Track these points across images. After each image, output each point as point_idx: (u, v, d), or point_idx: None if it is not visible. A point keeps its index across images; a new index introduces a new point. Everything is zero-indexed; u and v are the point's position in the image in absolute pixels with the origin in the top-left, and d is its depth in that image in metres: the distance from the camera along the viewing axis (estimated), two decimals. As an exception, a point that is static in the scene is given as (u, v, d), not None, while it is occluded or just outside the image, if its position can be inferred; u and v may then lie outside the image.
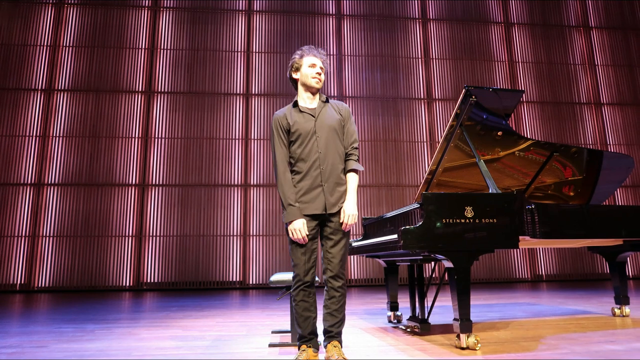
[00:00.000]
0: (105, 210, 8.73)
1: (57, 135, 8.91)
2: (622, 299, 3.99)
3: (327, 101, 2.57)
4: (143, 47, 9.46)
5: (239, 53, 9.70)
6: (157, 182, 8.95)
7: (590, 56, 10.63)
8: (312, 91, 2.52)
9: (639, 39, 10.91)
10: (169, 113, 9.27)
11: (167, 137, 9.15)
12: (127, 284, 8.50)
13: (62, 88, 9.10)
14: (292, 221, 2.34)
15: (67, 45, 9.27)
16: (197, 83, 9.46)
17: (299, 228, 2.32)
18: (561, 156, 3.91)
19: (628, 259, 9.68)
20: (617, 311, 4.01)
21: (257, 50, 9.74)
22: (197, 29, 9.67)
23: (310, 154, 2.41)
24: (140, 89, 9.28)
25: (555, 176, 4.12)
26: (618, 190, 9.95)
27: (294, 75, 2.56)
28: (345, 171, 2.50)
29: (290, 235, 2.35)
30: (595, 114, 10.36)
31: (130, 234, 8.69)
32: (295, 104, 2.52)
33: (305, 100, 2.53)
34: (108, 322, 4.10)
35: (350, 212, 2.39)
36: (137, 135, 9.09)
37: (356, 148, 2.54)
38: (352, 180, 2.48)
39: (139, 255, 8.63)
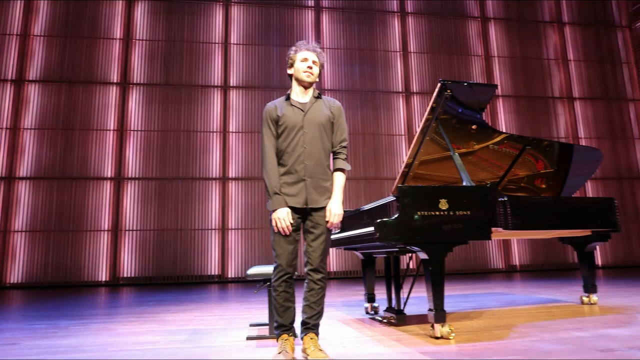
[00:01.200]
0: (80, 204, 8.55)
1: (29, 127, 8.66)
2: (590, 288, 4.13)
3: (319, 97, 2.58)
4: (117, 37, 9.25)
5: (217, 45, 9.58)
6: (133, 176, 8.81)
7: (563, 52, 10.87)
8: (304, 85, 2.52)
9: (609, 35, 11.20)
10: (145, 105, 9.11)
11: (143, 129, 9.00)
12: (103, 279, 8.36)
13: (34, 79, 8.84)
14: (276, 209, 2.35)
15: (39, 34, 8.99)
16: (173, 75, 9.31)
17: (283, 217, 2.33)
18: (533, 149, 4.01)
19: (597, 249, 10.01)
20: (586, 299, 4.15)
21: (235, 42, 9.63)
22: (173, 20, 9.50)
23: (295, 148, 2.42)
24: (115, 81, 9.09)
25: (528, 169, 4.22)
26: (588, 182, 10.25)
27: (289, 71, 2.59)
28: (333, 169, 2.53)
29: (274, 224, 2.35)
30: (567, 108, 10.62)
31: (106, 228, 8.55)
32: (288, 97, 2.54)
33: (298, 94, 2.54)
34: (83, 318, 4.04)
35: (335, 212, 2.40)
36: (112, 128, 8.90)
37: (345, 147, 2.56)
38: (339, 179, 2.51)
39: (115, 250, 8.49)
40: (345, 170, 2.54)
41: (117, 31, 9.27)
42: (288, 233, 2.35)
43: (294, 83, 2.57)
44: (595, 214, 3.77)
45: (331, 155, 2.56)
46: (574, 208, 3.70)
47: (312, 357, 2.22)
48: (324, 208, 2.42)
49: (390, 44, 10.19)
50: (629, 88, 11.01)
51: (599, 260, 10.07)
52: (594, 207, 3.80)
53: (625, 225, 10.22)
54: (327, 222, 2.40)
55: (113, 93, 9.04)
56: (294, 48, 2.60)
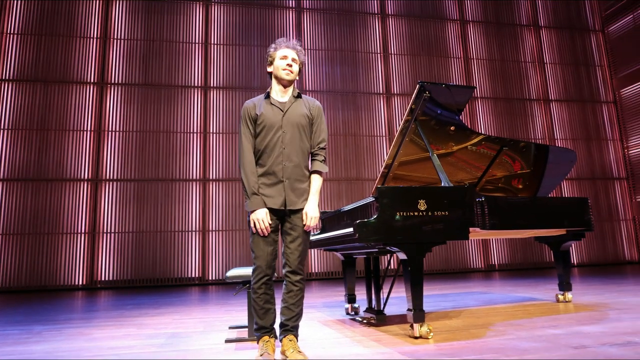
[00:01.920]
0: (56, 206, 8.36)
1: (2, 127, 8.42)
2: (565, 286, 4.22)
3: (299, 96, 2.55)
4: (95, 36, 9.08)
5: (197, 45, 9.48)
6: (111, 177, 8.65)
7: (539, 54, 11.09)
8: (284, 83, 2.50)
9: (584, 38, 11.48)
10: (124, 105, 8.96)
11: (121, 130, 8.85)
12: (80, 283, 8.19)
13: (7, 78, 8.60)
14: (254, 210, 2.33)
15: (13, 32, 8.76)
16: (153, 75, 9.18)
17: (262, 218, 2.31)
18: (510, 150, 4.08)
19: (572, 247, 10.23)
20: (561, 297, 4.24)
21: (215, 42, 9.56)
22: (152, 19, 9.37)
23: (274, 149, 2.40)
24: (92, 80, 8.91)
25: (505, 170, 4.29)
26: (563, 182, 10.48)
27: (268, 69, 2.56)
28: (310, 171, 2.51)
29: (253, 225, 2.33)
30: (544, 109, 10.84)
31: (83, 230, 8.37)
32: (267, 96, 2.51)
33: (277, 92, 2.51)
34: (58, 323, 3.95)
35: (312, 215, 2.40)
36: (89, 128, 8.73)
37: (323, 148, 2.53)
38: (316, 181, 2.48)
39: (93, 253, 8.33)
40: (323, 172, 2.51)
41: (95, 30, 9.10)
42: (267, 234, 2.34)
43: (274, 81, 2.54)
44: (570, 213, 3.86)
45: (310, 155, 2.54)
46: (549, 208, 3.77)
47: (291, 359, 2.21)
48: (302, 210, 2.42)
49: (371, 46, 10.25)
50: (603, 90, 11.31)
51: (574, 259, 10.30)
52: (569, 207, 3.88)
53: (599, 224, 10.48)
54: (304, 225, 2.40)
55: (90, 93, 8.87)
56: (273, 45, 2.56)
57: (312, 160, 2.53)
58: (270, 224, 2.35)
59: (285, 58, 2.49)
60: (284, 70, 2.47)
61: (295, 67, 2.51)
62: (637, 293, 4.64)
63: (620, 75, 11.19)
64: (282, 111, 2.46)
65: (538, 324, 3.13)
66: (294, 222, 2.41)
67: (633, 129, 10.85)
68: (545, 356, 2.21)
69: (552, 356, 2.20)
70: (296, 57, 2.52)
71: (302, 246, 2.41)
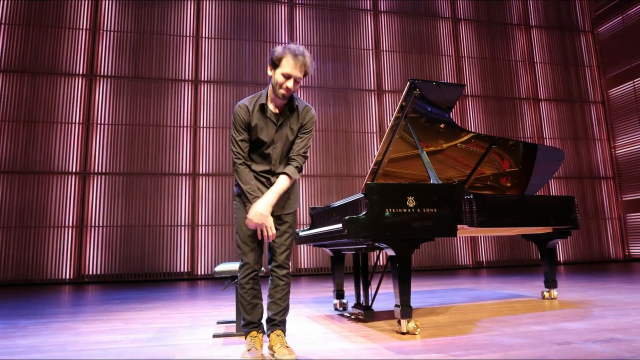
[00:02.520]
0: (43, 199, 8.26)
1: (-12, 119, 8.30)
2: (550, 283, 4.28)
3: (295, 108, 2.40)
4: (84, 27, 8.96)
5: (188, 38, 9.41)
6: (99, 170, 8.57)
7: (530, 54, 11.18)
8: (279, 99, 2.34)
9: (574, 39, 11.59)
10: (113, 98, 8.87)
11: (110, 123, 8.76)
12: (67, 277, 8.12)
13: (-7, 68, 8.47)
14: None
15: (0, 22, 8.63)
16: (143, 68, 9.09)
17: (270, 225, 2.28)
18: (499, 148, 4.11)
19: (558, 245, 10.37)
20: (546, 294, 4.30)
21: (206, 36, 9.48)
22: (142, 12, 9.27)
23: (262, 162, 2.40)
24: (81, 72, 8.80)
25: (494, 167, 4.32)
26: (551, 181, 10.60)
27: (269, 72, 2.34)
28: (281, 171, 2.37)
29: (259, 230, 2.26)
30: (533, 108, 10.93)
31: (71, 224, 8.29)
32: (263, 107, 2.34)
33: (273, 101, 2.37)
34: (44, 317, 3.91)
35: (256, 209, 2.21)
36: (77, 121, 8.63)
37: (303, 156, 2.41)
38: (281, 182, 2.32)
39: (80, 247, 8.25)
40: (291, 177, 2.36)
41: (84, 21, 8.98)
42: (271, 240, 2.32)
43: (271, 88, 2.35)
44: (557, 212, 3.90)
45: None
46: (536, 206, 3.81)
47: (279, 355, 2.22)
48: (288, 214, 2.44)
49: (363, 42, 10.24)
50: (591, 90, 11.43)
51: (561, 257, 10.43)
52: (555, 205, 3.93)
53: (585, 222, 10.62)
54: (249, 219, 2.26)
55: (79, 85, 8.76)
56: (282, 49, 2.28)
57: (287, 163, 2.41)
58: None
59: (288, 77, 2.27)
60: (281, 89, 2.29)
61: (296, 87, 2.30)
62: (620, 291, 4.72)
63: (608, 76, 11.31)
64: (276, 125, 2.37)
65: (523, 320, 3.17)
66: (283, 219, 2.43)
67: (620, 129, 11.00)
68: (529, 352, 2.24)
69: (536, 352, 2.23)
70: (300, 77, 2.29)
71: (289, 240, 2.42)
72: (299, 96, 2.46)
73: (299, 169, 2.40)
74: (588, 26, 11.73)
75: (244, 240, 2.36)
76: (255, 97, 2.39)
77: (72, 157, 8.50)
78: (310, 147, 2.48)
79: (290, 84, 2.27)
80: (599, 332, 2.66)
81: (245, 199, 2.33)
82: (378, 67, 10.19)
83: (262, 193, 2.33)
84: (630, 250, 10.70)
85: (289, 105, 2.38)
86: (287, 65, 2.25)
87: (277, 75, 2.28)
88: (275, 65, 2.29)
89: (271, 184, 2.38)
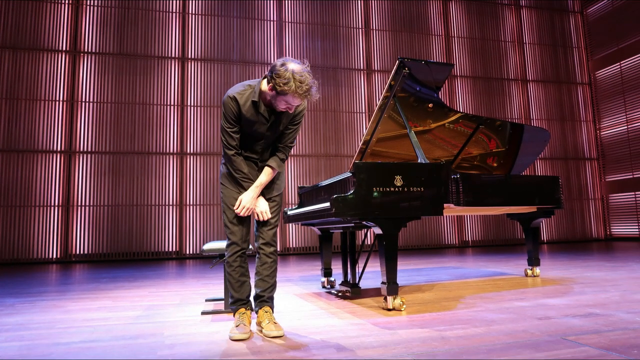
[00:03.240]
0: (27, 178, 8.14)
1: (-32, 96, 8.10)
2: (533, 261, 4.37)
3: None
4: (66, 1, 8.70)
5: (174, 14, 9.20)
6: (85, 149, 8.45)
7: (519, 34, 11.16)
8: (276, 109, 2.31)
9: (563, 20, 11.58)
10: (98, 75, 8.69)
11: (95, 101, 8.60)
12: (54, 256, 8.08)
13: (-28, 43, 8.22)
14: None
15: (-24, -5, 8.33)
16: (128, 44, 8.90)
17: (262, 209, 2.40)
18: (487, 129, 4.14)
19: (543, 225, 10.56)
20: (529, 272, 4.40)
21: (193, 12, 9.28)
22: (127, -15, 9.02)
23: (251, 155, 2.44)
24: (64, 48, 8.59)
25: (481, 148, 4.36)
26: (537, 161, 10.73)
27: (266, 85, 2.23)
28: (265, 164, 2.42)
29: (237, 208, 2.37)
30: (521, 89, 10.98)
31: (56, 203, 8.21)
32: (255, 104, 2.29)
33: (266, 101, 2.31)
34: (31, 296, 3.91)
35: (244, 202, 2.32)
36: (61, 99, 8.46)
37: (289, 147, 2.46)
38: (265, 174, 2.38)
39: (67, 226, 8.19)
40: (276, 170, 2.42)
41: (66, -5, 8.72)
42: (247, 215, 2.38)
43: (266, 91, 2.25)
44: (541, 191, 3.96)
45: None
46: (521, 186, 3.87)
47: (266, 330, 2.25)
48: (275, 195, 2.51)
49: (352, 21, 10.12)
50: (579, 72, 11.50)
51: (544, 236, 10.64)
52: (540, 185, 3.99)
53: (569, 202, 10.81)
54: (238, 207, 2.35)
55: (62, 61, 8.55)
56: (289, 81, 2.11)
57: (274, 154, 2.44)
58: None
59: (289, 107, 2.23)
60: (279, 106, 2.25)
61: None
62: (600, 268, 4.85)
63: (596, 58, 11.37)
64: (267, 122, 2.35)
65: (506, 297, 3.25)
66: (270, 198, 2.48)
67: (605, 111, 11.12)
68: (511, 327, 2.30)
69: (517, 326, 2.30)
70: (301, 105, 2.32)
71: (276, 219, 2.47)
72: (304, 108, 2.44)
73: (284, 160, 2.47)
74: (577, 7, 11.73)
75: (231, 220, 2.39)
76: (246, 91, 2.31)
77: (56, 135, 8.36)
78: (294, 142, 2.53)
79: (292, 109, 2.26)
80: (578, 308, 2.75)
81: (237, 184, 2.40)
82: (368, 46, 10.11)
83: (253, 177, 2.40)
84: (612, 230, 10.95)
85: None
86: (292, 100, 2.19)
87: (279, 101, 2.21)
88: (277, 84, 2.13)
89: (258, 167, 2.46)
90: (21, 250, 7.96)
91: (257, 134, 2.38)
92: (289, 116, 2.40)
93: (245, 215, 2.35)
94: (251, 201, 2.35)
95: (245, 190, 2.38)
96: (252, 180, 2.39)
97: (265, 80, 2.27)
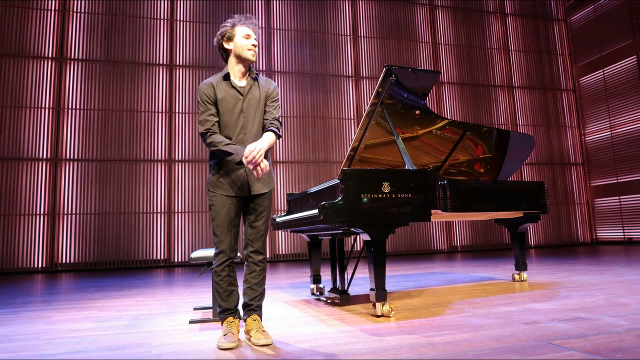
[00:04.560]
0: (12, 186, 8.02)
1: (-49, 103, 7.97)
2: (521, 266, 4.42)
3: (256, 79, 2.47)
4: (53, 8, 8.63)
5: (162, 21, 9.18)
6: (71, 157, 8.35)
7: (505, 41, 11.33)
8: (245, 64, 2.42)
9: (547, 27, 11.79)
10: (84, 82, 8.61)
11: (82, 108, 8.52)
12: (40, 266, 7.95)
13: (-45, 50, 8.11)
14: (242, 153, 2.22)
15: (-40, 1, 8.23)
16: (115, 51, 8.85)
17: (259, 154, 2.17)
18: (473, 135, 4.18)
19: (529, 229, 10.68)
20: (517, 276, 4.44)
21: (181, 19, 9.27)
22: (114, -8, 8.98)
23: (235, 134, 2.36)
24: (50, 55, 8.51)
25: (468, 154, 4.40)
26: (524, 167, 10.86)
27: (226, 46, 2.40)
28: (266, 130, 2.39)
29: (252, 159, 2.14)
30: (507, 96, 11.12)
31: (42, 212, 8.09)
32: (227, 77, 2.40)
33: (236, 74, 2.41)
34: (15, 306, 3.84)
35: (258, 146, 2.16)
36: (47, 106, 8.37)
37: (278, 121, 2.44)
38: (269, 136, 2.33)
39: (53, 235, 8.07)
40: (277, 133, 2.39)
41: (52, 1, 8.65)
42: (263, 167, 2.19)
43: (232, 61, 2.41)
44: (527, 197, 4.01)
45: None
46: (508, 191, 3.91)
47: (255, 339, 2.24)
48: (265, 194, 2.44)
49: (340, 28, 10.19)
50: (563, 79, 11.69)
51: (531, 241, 10.75)
52: (526, 191, 4.03)
53: (555, 207, 10.95)
54: (247, 156, 2.16)
55: (48, 68, 8.47)
56: (230, 21, 2.42)
57: (267, 129, 2.39)
58: (232, 209, 2.35)
59: (248, 37, 2.39)
60: (249, 50, 2.38)
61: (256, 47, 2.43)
62: (586, 272, 4.91)
63: (580, 65, 11.58)
64: (242, 95, 2.39)
65: (494, 301, 3.28)
66: (259, 203, 2.42)
67: (590, 117, 11.31)
68: (499, 332, 2.32)
69: (504, 331, 2.32)
70: (256, 37, 2.45)
71: (265, 225, 2.44)
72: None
73: (279, 130, 2.44)
74: (561, 15, 11.95)
75: (220, 228, 2.35)
76: (217, 74, 2.46)
77: (42, 143, 8.26)
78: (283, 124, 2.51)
79: (253, 41, 2.40)
80: (564, 312, 2.78)
81: (225, 154, 2.28)
82: (355, 53, 10.17)
83: (226, 182, 2.34)
84: (597, 234, 11.10)
85: (250, 75, 2.46)
86: (243, 26, 2.41)
87: (240, 40, 2.38)
88: (231, 35, 2.39)
89: (236, 169, 2.36)
90: (5, 260, 7.82)
91: (237, 111, 2.36)
92: (260, 90, 2.44)
93: (252, 165, 2.14)
94: (262, 151, 2.16)
95: (237, 145, 2.27)
96: (236, 145, 2.28)
97: (228, 60, 2.45)
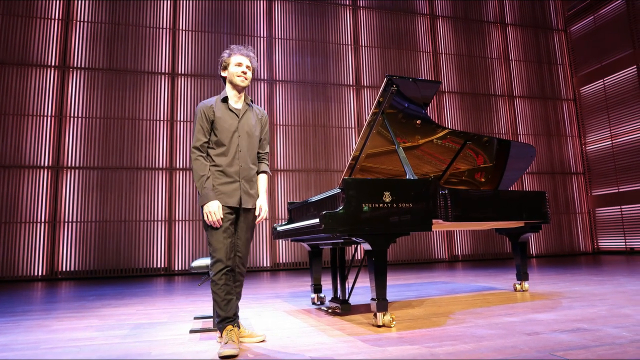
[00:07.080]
0: (13, 194, 8.03)
1: (-46, 111, 8.01)
2: (522, 276, 4.40)
3: (250, 105, 2.71)
4: (56, 17, 8.70)
5: (165, 30, 9.25)
6: (73, 165, 8.37)
7: (505, 51, 11.38)
8: (238, 89, 2.62)
9: (547, 37, 11.85)
10: (87, 90, 8.66)
11: (84, 116, 8.56)
12: (40, 274, 7.93)
13: (-41, 58, 8.16)
14: (206, 203, 2.42)
15: (-35, 10, 8.30)
16: (118, 60, 8.90)
17: (214, 211, 2.40)
18: (474, 144, 4.19)
19: (531, 239, 10.65)
20: (518, 286, 4.42)
21: (184, 29, 9.34)
22: (117, 2, 9.05)
23: (230, 151, 2.54)
24: (53, 64, 8.56)
25: (469, 163, 4.41)
26: (525, 176, 10.86)
27: (222, 74, 2.65)
28: (258, 172, 2.70)
29: (206, 218, 2.42)
30: (508, 105, 11.16)
31: (43, 219, 8.09)
32: (225, 100, 2.60)
33: (232, 97, 2.62)
34: (15, 315, 3.83)
35: (265, 209, 2.64)
36: (49, 114, 8.41)
37: (267, 153, 2.76)
38: (264, 181, 2.71)
39: (53, 243, 8.07)
40: (268, 173, 2.76)
41: (56, 10, 8.73)
42: (219, 226, 2.43)
43: (228, 86, 2.64)
44: (528, 206, 4.01)
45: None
46: (509, 201, 3.91)
47: (248, 339, 2.52)
48: (253, 208, 2.62)
49: (342, 37, 10.26)
50: (564, 88, 11.73)
51: (533, 250, 10.72)
52: (527, 200, 4.03)
53: (556, 217, 10.93)
54: (257, 216, 2.61)
55: (51, 76, 8.52)
56: (227, 51, 2.65)
57: (260, 162, 2.73)
58: (227, 219, 2.47)
59: (240, 65, 2.59)
60: (239, 77, 2.58)
61: (249, 74, 2.62)
62: (588, 282, 4.89)
63: (580, 74, 11.63)
64: (238, 117, 2.60)
65: (496, 312, 3.26)
66: (247, 217, 2.59)
67: (590, 126, 11.33)
68: (500, 342, 2.31)
69: (506, 342, 2.30)
70: (250, 64, 2.64)
71: (251, 238, 2.65)
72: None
73: (268, 166, 2.78)
74: (561, 25, 12.02)
75: (216, 238, 2.43)
76: (217, 96, 2.66)
77: (44, 151, 8.28)
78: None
79: (244, 69, 2.59)
80: (566, 323, 2.76)
81: (197, 191, 2.55)
82: (357, 62, 10.23)
83: (222, 192, 2.50)
84: (599, 243, 11.07)
85: (245, 100, 2.68)
86: (236, 55, 2.61)
87: (232, 68, 2.59)
88: (226, 63, 2.62)
89: (232, 182, 2.54)
90: (6, 268, 7.81)
91: (232, 130, 2.55)
92: (255, 116, 2.68)
93: (263, 217, 2.62)
94: (266, 204, 2.66)
95: (210, 189, 2.45)
96: (208, 188, 2.46)
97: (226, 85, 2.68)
